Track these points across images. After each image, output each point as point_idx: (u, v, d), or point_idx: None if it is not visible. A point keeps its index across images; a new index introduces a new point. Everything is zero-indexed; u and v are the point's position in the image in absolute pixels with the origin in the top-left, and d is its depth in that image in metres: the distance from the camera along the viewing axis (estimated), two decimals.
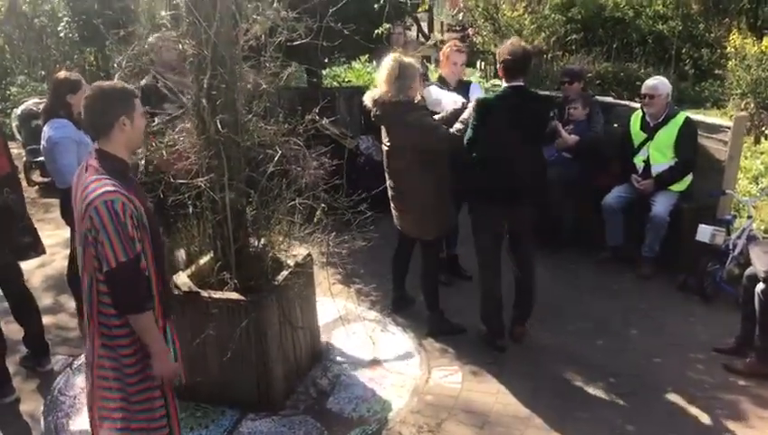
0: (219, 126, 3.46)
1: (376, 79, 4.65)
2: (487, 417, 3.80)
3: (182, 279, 3.85)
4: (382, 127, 4.51)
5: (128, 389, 2.68)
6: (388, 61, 4.34)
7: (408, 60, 4.39)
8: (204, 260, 4.06)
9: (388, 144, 4.46)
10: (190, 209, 3.84)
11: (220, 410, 3.86)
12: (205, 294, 3.72)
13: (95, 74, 10.45)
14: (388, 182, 4.60)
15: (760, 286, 4.02)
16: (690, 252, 5.21)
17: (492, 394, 4.03)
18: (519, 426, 3.71)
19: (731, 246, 5.00)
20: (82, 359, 3.96)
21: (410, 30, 13.26)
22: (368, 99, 4.52)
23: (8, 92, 10.45)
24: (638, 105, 5.83)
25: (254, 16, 3.54)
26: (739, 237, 5.00)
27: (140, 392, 2.69)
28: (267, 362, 3.77)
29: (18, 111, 8.19)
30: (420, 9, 4.84)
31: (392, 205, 4.64)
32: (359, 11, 4.24)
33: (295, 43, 3.69)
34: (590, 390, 4.06)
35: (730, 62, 9.90)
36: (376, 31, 4.45)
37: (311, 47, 3.90)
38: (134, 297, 2.57)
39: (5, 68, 11.43)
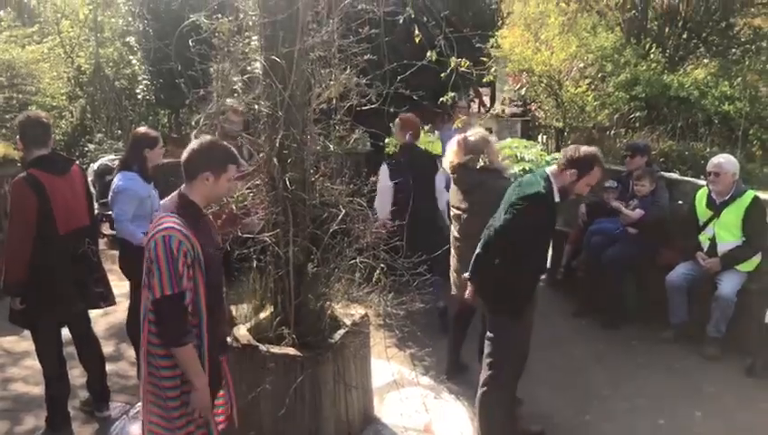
0: (288, 183, 3.58)
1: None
2: None
3: (241, 332, 3.92)
4: (457, 190, 4.63)
5: (168, 415, 2.91)
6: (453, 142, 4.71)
7: (472, 138, 4.58)
8: (264, 314, 4.12)
9: (464, 207, 4.56)
10: (254, 263, 3.93)
11: None
12: (263, 347, 3.76)
13: (166, 135, 10.94)
14: (455, 246, 4.67)
15: None
16: (759, 334, 5.01)
17: None
18: None
19: None
20: (139, 407, 4.03)
21: (474, 102, 13.51)
22: (447, 162, 4.76)
23: (86, 149, 10.99)
24: (703, 182, 5.75)
25: (328, 81, 3.69)
26: None
27: (180, 419, 2.92)
28: (320, 419, 3.76)
29: (94, 166, 8.60)
30: (485, 80, 4.94)
31: (454, 271, 4.67)
32: (426, 79, 4.36)
33: (364, 108, 3.82)
34: None
35: None
36: (441, 99, 4.55)
37: (378, 112, 4.03)
38: (175, 330, 2.78)
39: (86, 126, 12.05)
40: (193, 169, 2.90)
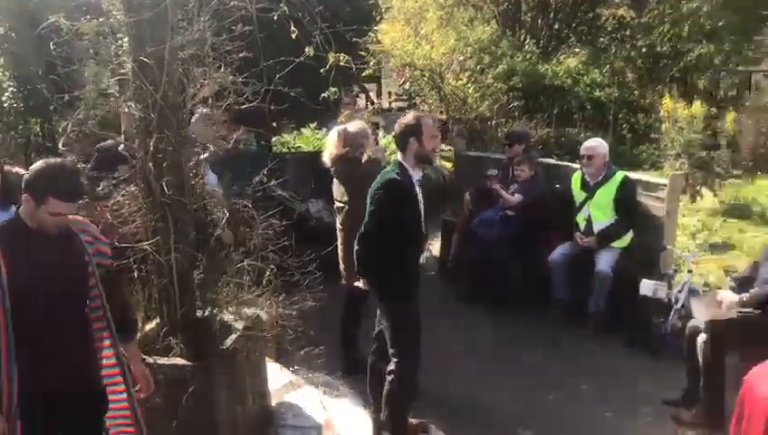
0: (165, 188, 3.45)
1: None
2: None
3: None
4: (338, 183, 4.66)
5: None
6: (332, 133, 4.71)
7: (352, 129, 4.60)
8: (150, 326, 3.96)
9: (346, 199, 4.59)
10: (135, 274, 3.76)
11: None
12: (150, 360, 3.61)
13: (40, 145, 10.31)
14: (340, 238, 4.68)
15: (702, 337, 4.13)
16: (635, 307, 5.33)
17: None
18: None
19: (673, 300, 5.13)
20: None
21: (359, 98, 13.58)
22: (327, 157, 4.76)
23: None
24: (577, 166, 6.05)
25: (202, 80, 3.59)
26: (680, 291, 5.15)
27: None
28: (216, 429, 3.66)
29: None
30: (365, 74, 4.98)
31: (342, 262, 4.69)
32: (305, 76, 4.33)
33: (243, 106, 3.75)
34: None
35: (664, 125, 10.40)
36: (323, 95, 4.55)
37: (259, 112, 3.96)
38: None
39: None
40: (24, 185, 2.73)
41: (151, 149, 3.45)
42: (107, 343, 3.02)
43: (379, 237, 3.79)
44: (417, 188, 3.90)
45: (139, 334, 3.86)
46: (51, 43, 3.47)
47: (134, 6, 3.35)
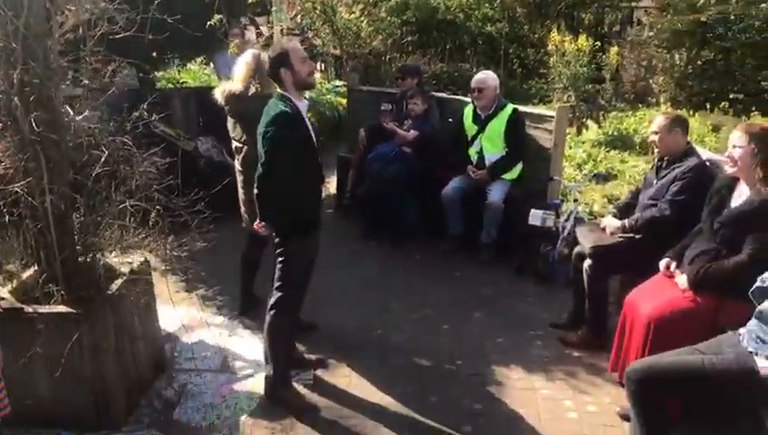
0: (34, 125, 3.18)
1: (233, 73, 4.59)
2: (341, 411, 3.79)
3: (2, 294, 3.51)
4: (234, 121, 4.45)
5: None
6: (245, 56, 4.33)
7: (263, 54, 4.37)
8: (27, 273, 3.72)
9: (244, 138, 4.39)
10: (6, 219, 3.49)
11: (55, 433, 3.55)
12: (29, 309, 3.40)
13: None
14: (240, 180, 4.54)
15: (586, 263, 4.32)
16: (524, 236, 5.51)
17: (344, 389, 4.01)
18: (374, 417, 3.72)
19: (560, 229, 5.33)
20: None
21: (249, 31, 13.08)
22: (219, 93, 4.48)
23: None
24: (469, 100, 6.09)
25: (68, 7, 3.29)
26: (567, 220, 5.35)
27: None
28: (104, 377, 3.51)
29: None
30: (251, 1, 4.76)
31: (242, 204, 4.56)
32: (186, 2, 4.07)
33: (118, 36, 3.48)
34: (440, 374, 4.16)
35: (552, 59, 10.64)
36: (208, 22, 4.29)
37: (136, 42, 3.69)
38: None
39: None
40: None
41: (15, 82, 3.16)
42: None
43: (277, 175, 3.65)
44: (306, 118, 3.78)
45: (14, 283, 3.65)
46: None
47: None
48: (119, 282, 3.70)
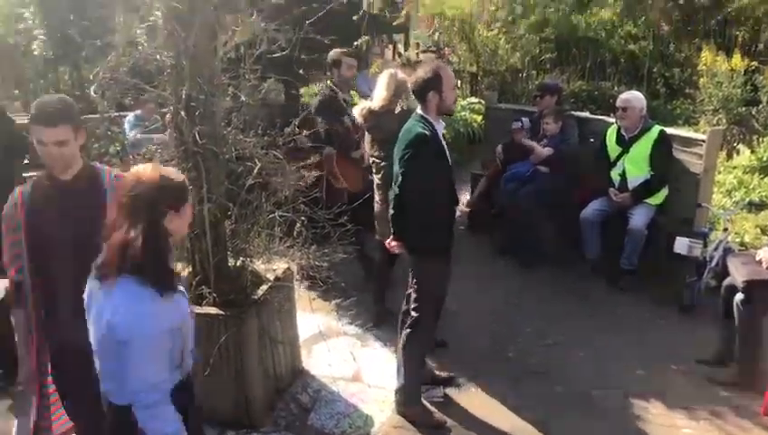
0: (198, 137, 3.42)
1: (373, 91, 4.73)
2: (469, 432, 3.76)
3: None
4: (371, 138, 4.56)
5: None
6: (384, 75, 4.45)
7: (401, 75, 4.48)
8: (182, 275, 3.98)
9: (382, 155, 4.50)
10: None
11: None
12: None
13: (69, 93, 10.34)
14: (378, 195, 4.64)
15: (738, 297, 4.05)
16: (669, 265, 5.25)
17: (474, 410, 3.99)
18: None
19: (708, 259, 5.03)
20: None
21: (387, 48, 13.36)
22: (358, 111, 4.61)
23: None
24: (612, 120, 5.90)
25: (234, 27, 3.52)
26: (716, 250, 5.04)
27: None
28: (247, 378, 3.70)
29: None
30: (396, 22, 4.90)
31: (378, 218, 4.67)
32: (337, 24, 4.24)
33: (275, 55, 3.68)
34: (574, 402, 4.04)
35: (702, 79, 10.09)
36: (355, 43, 4.44)
37: (290, 61, 3.89)
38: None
39: None
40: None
41: (183, 97, 3.41)
42: None
43: (412, 196, 3.70)
44: (443, 140, 3.81)
45: None
46: None
47: None
48: (264, 288, 3.89)
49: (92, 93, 3.55)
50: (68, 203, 2.71)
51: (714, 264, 4.98)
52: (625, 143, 5.58)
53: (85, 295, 2.30)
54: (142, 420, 2.17)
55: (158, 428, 2.18)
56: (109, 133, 3.84)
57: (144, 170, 2.21)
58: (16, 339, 2.81)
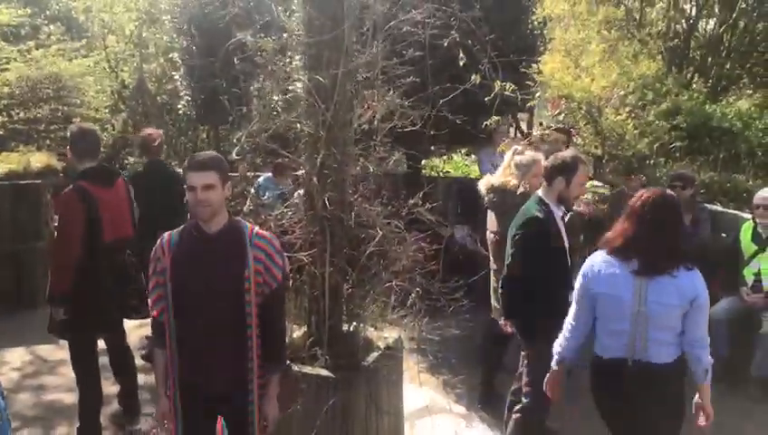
0: (327, 203, 3.56)
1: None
2: None
3: None
4: (493, 214, 4.58)
5: None
6: (511, 153, 4.50)
7: (527, 155, 4.52)
8: (297, 334, 4.09)
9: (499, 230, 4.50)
10: (290, 283, 3.91)
11: None
12: (295, 367, 3.73)
13: (206, 150, 11.10)
14: (493, 269, 4.62)
15: None
16: None
17: None
18: None
19: None
20: None
21: (513, 126, 13.47)
22: (483, 185, 4.65)
23: (126, 162, 11.18)
24: (746, 215, 5.63)
25: (371, 101, 3.68)
26: None
27: None
28: None
29: None
30: (528, 105, 4.99)
31: (494, 295, 4.62)
32: (468, 103, 4.34)
33: (405, 130, 3.81)
34: None
35: None
36: (485, 122, 4.51)
37: (418, 135, 4.01)
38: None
39: (126, 140, 12.27)
40: None
41: (318, 164, 3.58)
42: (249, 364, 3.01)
43: (523, 279, 3.67)
44: (560, 224, 3.77)
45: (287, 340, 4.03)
46: (235, 58, 3.71)
47: (314, 28, 3.51)
48: (375, 355, 3.91)
49: (234, 156, 3.78)
50: (212, 256, 2.87)
51: None
52: (762, 241, 5.30)
53: None
54: None
55: None
56: (245, 193, 4.04)
57: None
58: (155, 377, 2.97)
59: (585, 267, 3.25)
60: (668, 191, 3.30)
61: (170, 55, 12.15)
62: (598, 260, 3.19)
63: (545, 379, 3.51)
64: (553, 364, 3.38)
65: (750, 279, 5.37)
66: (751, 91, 14.87)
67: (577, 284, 3.30)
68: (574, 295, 3.33)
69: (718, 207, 6.70)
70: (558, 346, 3.38)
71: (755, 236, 5.36)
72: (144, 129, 5.90)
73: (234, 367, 2.97)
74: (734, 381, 5.24)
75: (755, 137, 12.07)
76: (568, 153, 3.82)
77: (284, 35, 3.80)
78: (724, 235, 5.91)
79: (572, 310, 3.34)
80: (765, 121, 12.36)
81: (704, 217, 5.89)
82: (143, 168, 5.68)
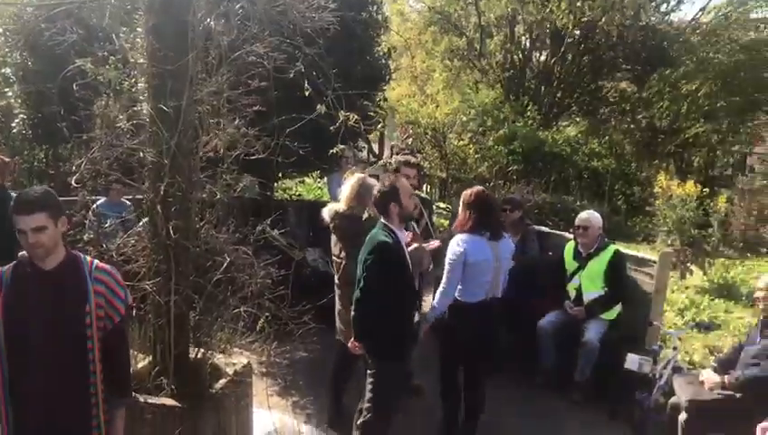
0: (171, 231, 3.55)
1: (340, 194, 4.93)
2: None
3: None
4: (337, 239, 4.73)
5: None
6: (352, 180, 4.66)
7: (369, 180, 4.72)
8: (141, 364, 4.01)
9: (343, 255, 4.65)
10: (134, 312, 3.83)
11: None
12: (140, 398, 3.66)
13: (43, 172, 10.46)
14: (338, 293, 4.75)
15: (682, 416, 4.19)
16: (619, 379, 5.38)
17: None
18: None
19: (657, 376, 5.18)
20: None
21: (362, 151, 13.82)
22: (326, 212, 4.78)
23: None
24: (571, 235, 6.17)
25: (216, 131, 3.72)
26: (665, 368, 5.20)
27: None
28: None
29: None
30: (372, 136, 5.19)
31: (338, 317, 4.75)
32: (314, 131, 4.49)
33: (252, 157, 3.88)
34: None
35: (658, 201, 10.60)
36: (330, 151, 4.68)
37: (266, 162, 4.09)
38: None
39: None
40: None
41: (161, 192, 3.56)
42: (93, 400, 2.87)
43: (372, 301, 3.89)
44: (405, 248, 4.04)
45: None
46: (74, 85, 3.63)
47: (158, 58, 3.50)
48: (222, 381, 3.92)
49: (73, 183, 3.67)
50: (48, 295, 2.71)
51: (662, 381, 5.12)
52: (582, 259, 5.84)
53: None
54: None
55: None
56: (86, 222, 3.92)
57: None
58: None
59: (455, 244, 4.43)
60: (481, 187, 4.78)
61: (2, 71, 11.36)
62: (463, 238, 4.43)
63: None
64: (431, 319, 4.55)
65: (572, 293, 5.90)
66: (579, 119, 16.18)
67: (452, 256, 4.41)
68: (448, 264, 4.42)
69: (544, 229, 7.27)
70: (437, 304, 4.49)
71: (576, 255, 5.90)
72: None
73: (76, 409, 2.82)
74: (562, 385, 5.73)
75: (582, 161, 13.23)
76: (383, 183, 4.19)
77: (129, 62, 3.77)
78: (550, 253, 6.44)
79: (447, 277, 4.43)
80: (590, 147, 13.58)
81: (531, 238, 6.39)
82: None
